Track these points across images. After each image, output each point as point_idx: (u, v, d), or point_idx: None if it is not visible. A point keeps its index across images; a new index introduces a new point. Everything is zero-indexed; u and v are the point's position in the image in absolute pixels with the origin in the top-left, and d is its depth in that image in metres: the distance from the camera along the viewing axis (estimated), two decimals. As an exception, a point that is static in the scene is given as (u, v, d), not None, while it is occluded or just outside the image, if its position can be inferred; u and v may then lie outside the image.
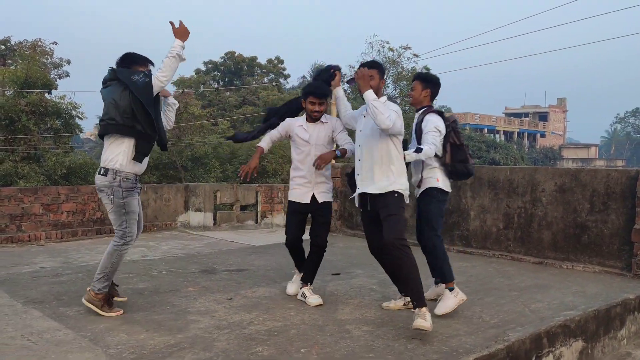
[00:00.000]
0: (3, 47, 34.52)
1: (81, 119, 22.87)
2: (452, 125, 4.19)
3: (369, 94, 3.66)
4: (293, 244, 4.52)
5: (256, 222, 13.42)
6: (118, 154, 3.86)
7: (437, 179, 4.18)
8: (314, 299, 4.31)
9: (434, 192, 4.19)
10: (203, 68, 45.80)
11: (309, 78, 49.79)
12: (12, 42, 34.34)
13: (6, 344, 3.31)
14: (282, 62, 46.91)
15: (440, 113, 4.23)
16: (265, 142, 4.61)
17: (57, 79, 29.31)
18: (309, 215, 4.50)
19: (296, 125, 4.49)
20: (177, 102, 4.44)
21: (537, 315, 4.09)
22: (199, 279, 5.22)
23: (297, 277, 4.68)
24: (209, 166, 25.89)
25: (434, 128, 4.07)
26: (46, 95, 21.44)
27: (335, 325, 3.81)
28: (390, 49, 30.41)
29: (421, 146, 3.98)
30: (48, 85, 21.91)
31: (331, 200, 4.58)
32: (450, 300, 4.07)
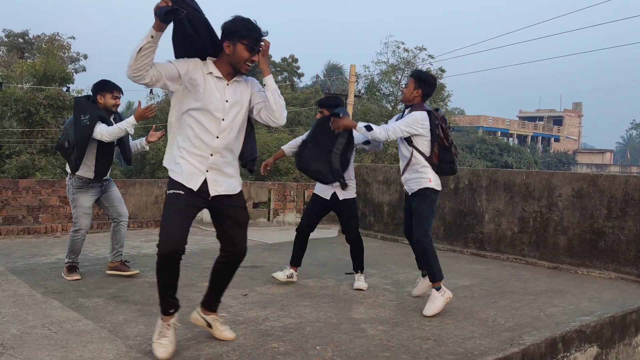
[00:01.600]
0: (21, 40, 34.93)
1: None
2: (440, 124, 4.14)
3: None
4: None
5: (268, 220, 13.48)
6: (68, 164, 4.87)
7: (430, 179, 4.16)
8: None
9: (427, 192, 4.15)
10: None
11: (322, 77, 49.83)
12: (30, 36, 34.75)
13: (28, 333, 3.37)
14: (296, 60, 47.00)
15: (429, 111, 4.16)
16: (288, 146, 4.77)
17: (74, 73, 29.57)
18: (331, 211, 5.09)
19: None
20: (146, 148, 5.21)
21: (553, 319, 4.09)
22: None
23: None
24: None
25: (407, 123, 4.09)
26: (63, 88, 21.66)
27: (350, 323, 3.83)
28: (406, 50, 30.34)
29: (372, 126, 4.08)
30: (66, 79, 22.15)
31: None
32: (438, 300, 4.06)
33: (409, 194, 4.31)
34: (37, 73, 21.24)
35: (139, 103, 4.77)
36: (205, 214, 11.44)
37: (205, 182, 3.09)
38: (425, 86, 4.22)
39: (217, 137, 3.06)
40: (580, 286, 5.25)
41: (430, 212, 4.15)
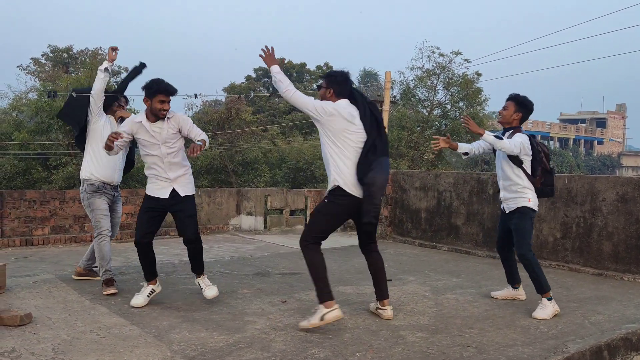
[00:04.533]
0: (66, 55, 36.21)
1: (138, 124, 23.65)
2: (543, 149, 4.33)
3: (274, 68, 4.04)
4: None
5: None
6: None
7: (529, 199, 4.31)
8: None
9: (527, 210, 4.31)
10: (253, 75, 46.64)
11: (358, 84, 49.87)
12: (74, 51, 35.99)
13: (77, 338, 3.51)
14: (331, 68, 47.19)
15: (531, 136, 4.33)
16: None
17: (116, 86, 30.45)
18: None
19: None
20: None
21: (598, 327, 3.99)
22: (253, 281, 5.35)
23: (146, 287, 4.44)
24: (259, 171, 26.30)
25: (520, 141, 4.20)
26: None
27: (389, 330, 3.84)
28: (441, 55, 30.04)
29: (502, 137, 4.13)
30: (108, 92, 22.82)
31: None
32: (549, 308, 4.20)
33: (506, 212, 4.42)
34: (81, 87, 21.94)
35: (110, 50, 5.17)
36: (242, 222, 11.63)
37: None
38: (525, 111, 4.37)
39: None
40: (626, 293, 5.11)
41: (531, 228, 4.34)
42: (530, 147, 4.27)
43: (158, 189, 4.39)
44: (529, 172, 4.33)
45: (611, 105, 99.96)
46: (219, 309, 4.27)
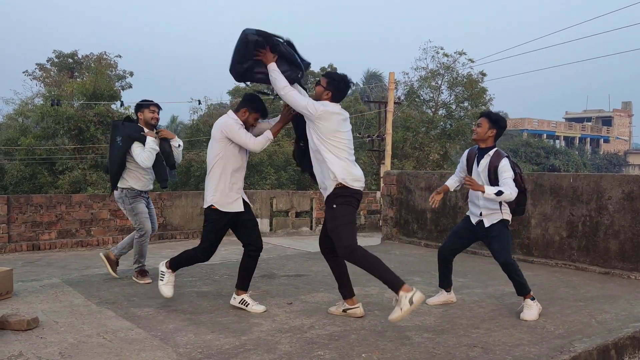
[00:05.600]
0: (71, 60, 36.40)
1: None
2: (518, 171, 4.32)
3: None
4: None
5: (311, 229, 13.56)
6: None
7: (508, 212, 4.36)
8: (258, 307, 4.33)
9: (506, 222, 4.38)
10: (258, 77, 46.67)
11: (362, 85, 49.85)
12: (79, 56, 36.17)
13: (84, 342, 3.52)
14: (335, 70, 47.20)
15: (507, 156, 4.35)
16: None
17: (122, 90, 30.61)
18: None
19: None
20: (181, 143, 5.41)
21: (605, 326, 3.97)
22: (259, 283, 5.35)
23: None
24: (264, 173, 26.34)
25: (511, 176, 4.21)
26: (112, 105, 22.46)
27: (395, 331, 3.83)
28: (445, 55, 30.03)
29: (502, 189, 4.14)
30: (114, 96, 22.95)
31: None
32: (534, 308, 4.19)
33: (486, 225, 4.38)
34: (86, 91, 22.08)
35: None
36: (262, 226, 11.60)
37: None
38: (499, 127, 4.39)
39: None
40: (633, 291, 5.08)
41: (510, 237, 4.44)
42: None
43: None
44: None
45: (617, 103, 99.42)
46: (225, 312, 4.28)
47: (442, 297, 4.67)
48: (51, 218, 9.38)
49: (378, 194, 15.39)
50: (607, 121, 71.68)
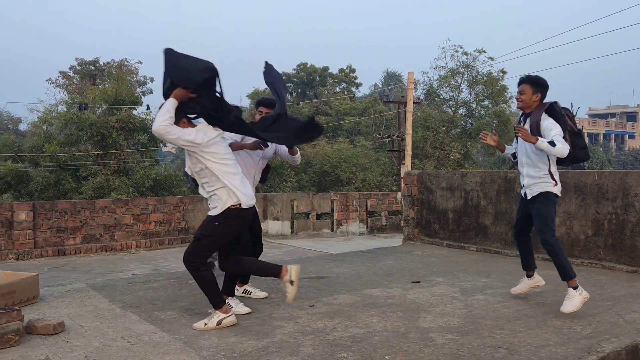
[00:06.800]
0: (92, 67, 36.97)
1: (164, 133, 24.01)
2: (566, 112, 4.15)
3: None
4: None
5: (332, 230, 13.55)
6: None
7: (554, 183, 4.21)
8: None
9: (550, 195, 4.21)
10: (276, 80, 46.83)
11: (380, 86, 49.70)
12: (101, 63, 36.72)
13: (109, 345, 3.56)
14: (353, 71, 47.11)
15: (551, 104, 4.17)
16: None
17: (142, 96, 30.98)
18: None
19: None
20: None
21: (633, 325, 3.89)
22: (281, 285, 5.35)
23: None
24: (285, 175, 26.40)
25: (559, 132, 4.04)
26: (133, 111, 22.76)
27: (418, 333, 3.80)
28: (465, 53, 29.75)
29: (554, 140, 3.97)
30: (135, 102, 23.24)
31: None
32: (576, 298, 4.05)
33: (528, 197, 4.30)
34: (108, 98, 22.41)
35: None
36: (269, 227, 11.66)
37: None
38: (542, 89, 4.25)
39: None
40: (664, 290, 4.95)
41: (554, 214, 4.25)
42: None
43: None
44: (554, 158, 4.20)
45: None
46: (246, 315, 4.29)
47: (524, 284, 4.62)
48: (76, 223, 9.52)
49: (399, 194, 15.32)
50: (631, 117, 70.32)
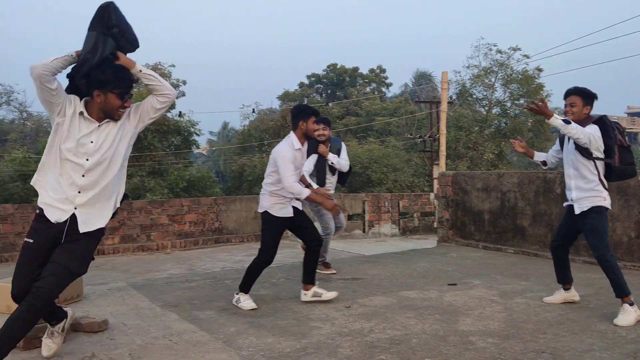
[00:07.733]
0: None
1: (198, 135, 24.44)
2: (616, 126, 4.11)
3: None
4: None
5: (363, 232, 13.51)
6: None
7: (605, 198, 4.13)
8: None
9: (602, 209, 4.14)
10: (306, 81, 47.04)
11: (411, 86, 49.32)
12: (136, 67, 37.41)
13: (151, 344, 3.63)
14: (384, 71, 46.95)
15: (599, 117, 4.13)
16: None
17: (175, 99, 31.45)
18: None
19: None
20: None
21: (683, 332, 3.76)
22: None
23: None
24: (316, 177, 26.43)
25: (590, 131, 4.02)
26: (167, 114, 23.17)
27: (457, 336, 3.75)
28: (499, 52, 29.28)
29: (570, 120, 3.97)
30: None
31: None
32: (632, 314, 3.98)
33: (577, 212, 4.22)
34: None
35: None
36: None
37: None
38: (591, 100, 4.21)
39: (83, 176, 3.04)
40: None
41: (607, 228, 4.19)
42: (600, 139, 4.05)
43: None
44: (602, 167, 4.12)
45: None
46: (284, 315, 4.31)
47: (559, 295, 4.57)
48: (114, 224, 9.73)
49: (431, 195, 15.17)
50: (673, 115, 68.00)
